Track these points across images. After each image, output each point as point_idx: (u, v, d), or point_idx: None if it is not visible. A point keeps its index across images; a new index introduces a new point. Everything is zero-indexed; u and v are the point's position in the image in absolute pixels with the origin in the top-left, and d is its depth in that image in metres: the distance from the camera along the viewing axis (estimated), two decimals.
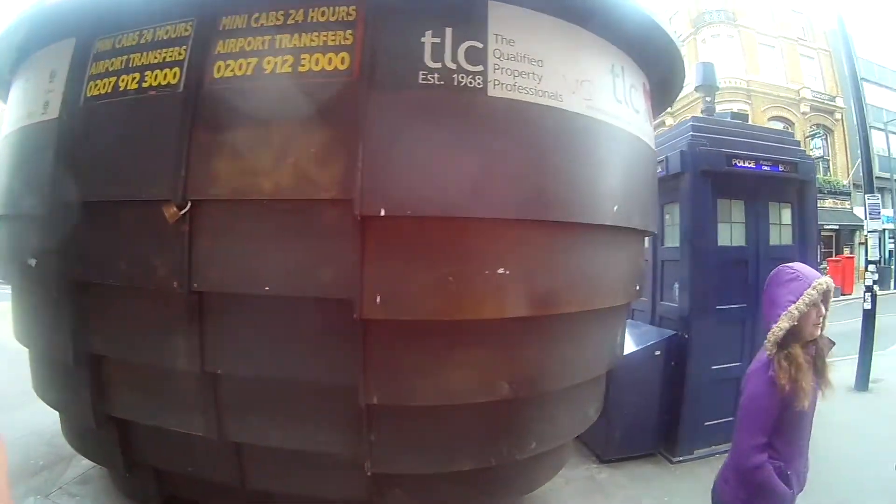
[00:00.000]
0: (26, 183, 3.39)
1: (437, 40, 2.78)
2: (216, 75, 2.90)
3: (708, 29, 31.11)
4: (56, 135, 3.22)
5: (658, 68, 3.85)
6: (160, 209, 2.85)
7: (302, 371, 2.93)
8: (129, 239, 3.08)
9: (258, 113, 2.77)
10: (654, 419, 5.61)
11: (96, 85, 3.19)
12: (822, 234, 29.56)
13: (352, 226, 2.65)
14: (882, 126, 30.22)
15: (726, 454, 5.35)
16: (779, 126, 30.39)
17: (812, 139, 29.92)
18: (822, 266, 25.00)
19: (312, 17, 2.89)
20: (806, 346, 2.52)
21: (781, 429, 2.49)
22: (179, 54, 3.01)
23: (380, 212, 2.63)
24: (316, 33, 2.84)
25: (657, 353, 5.48)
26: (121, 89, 3.11)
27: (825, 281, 2.52)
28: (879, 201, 9.38)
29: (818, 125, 30.77)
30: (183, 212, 2.85)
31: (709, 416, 5.59)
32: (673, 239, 5.99)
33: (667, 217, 6.12)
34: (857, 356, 8.48)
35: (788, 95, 30.91)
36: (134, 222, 3.06)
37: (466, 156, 2.73)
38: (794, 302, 2.45)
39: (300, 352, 2.90)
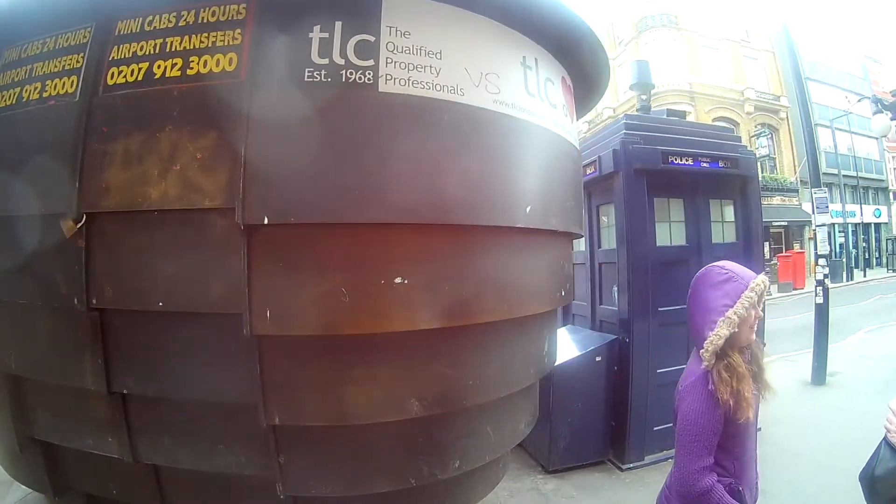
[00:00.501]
0: None
1: (326, 35, 2.59)
2: (109, 82, 2.74)
3: (650, 33, 31.75)
4: None
5: (578, 61, 3.68)
6: (58, 224, 2.74)
7: (205, 391, 2.75)
8: (33, 255, 2.90)
9: (147, 120, 2.61)
10: (600, 426, 5.49)
11: (2, 96, 3.04)
12: (771, 230, 30.30)
13: (238, 236, 2.50)
14: (828, 123, 31.02)
15: None
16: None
17: (757, 138, 30.63)
18: (772, 262, 25.60)
19: (203, 17, 2.68)
20: (742, 351, 2.31)
21: (727, 445, 2.27)
22: (77, 62, 2.86)
23: (263, 220, 2.45)
24: (205, 34, 2.64)
25: (598, 358, 5.37)
26: (24, 100, 2.96)
27: (763, 280, 2.29)
28: (827, 195, 9.39)
29: (763, 124, 31.56)
30: (79, 225, 2.70)
31: (658, 421, 5.47)
32: (610, 241, 5.91)
33: (603, 219, 6.06)
34: (813, 350, 8.51)
35: (732, 96, 31.65)
36: (37, 237, 2.87)
37: (355, 157, 2.53)
38: (732, 306, 2.20)
39: (201, 371, 2.73)
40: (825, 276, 8.64)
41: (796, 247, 29.60)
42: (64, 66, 2.88)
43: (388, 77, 2.59)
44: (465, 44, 2.83)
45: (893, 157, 38.72)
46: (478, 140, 2.78)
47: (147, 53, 2.70)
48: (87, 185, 2.67)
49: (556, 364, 5.10)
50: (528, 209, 2.97)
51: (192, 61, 2.63)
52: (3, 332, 3.16)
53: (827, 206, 9.22)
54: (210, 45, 2.62)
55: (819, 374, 8.30)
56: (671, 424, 5.34)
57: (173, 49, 2.67)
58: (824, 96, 33.33)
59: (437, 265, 2.73)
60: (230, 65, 2.59)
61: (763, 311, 2.39)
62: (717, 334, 2.18)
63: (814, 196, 9.22)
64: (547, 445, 5.34)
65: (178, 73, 2.63)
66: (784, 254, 26.54)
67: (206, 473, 2.94)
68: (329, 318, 2.59)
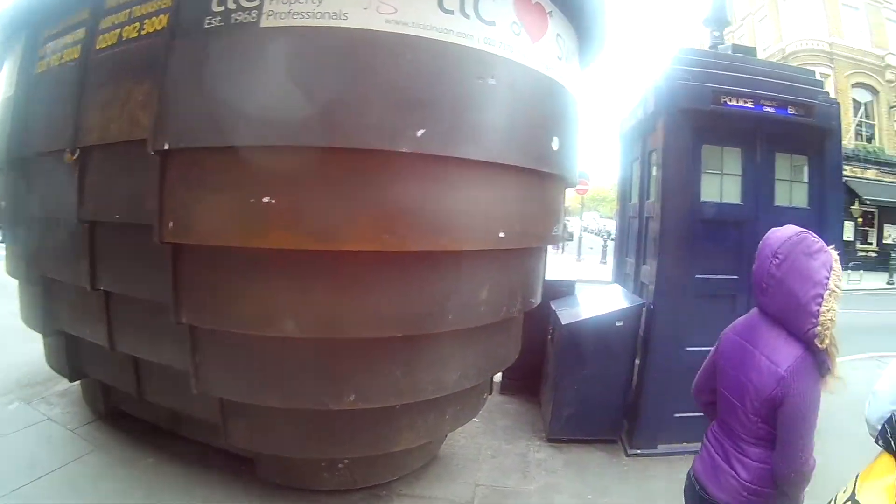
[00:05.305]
0: None
1: None
2: (97, 47, 3.48)
3: None
4: (11, 106, 4.16)
5: None
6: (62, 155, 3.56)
7: (145, 290, 3.39)
8: (42, 180, 3.91)
9: (116, 74, 3.31)
10: (614, 401, 4.90)
11: (40, 64, 4.00)
12: None
13: (156, 161, 3.01)
14: None
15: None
16: (864, 95, 28.05)
17: None
18: None
19: None
20: None
21: None
22: (81, 35, 3.63)
23: (164, 146, 2.93)
24: (151, 2, 3.22)
25: (618, 323, 4.76)
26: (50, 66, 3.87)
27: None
28: None
29: None
30: (75, 156, 3.52)
31: (682, 407, 4.74)
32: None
33: (654, 167, 5.22)
34: None
35: (873, 61, 27.83)
36: (46, 168, 3.81)
37: (235, 89, 2.82)
38: (829, 278, 1.99)
39: (144, 273, 3.33)
40: None
41: None
42: (73, 39, 3.68)
43: (270, 13, 2.82)
44: None
45: None
46: (357, 62, 2.84)
47: (119, 22, 3.36)
48: (80, 126, 3.46)
49: (563, 322, 4.64)
50: (420, 132, 2.90)
51: (146, 24, 3.19)
52: (36, 242, 4.19)
53: None
54: (156, 9, 3.16)
55: None
56: (699, 413, 4.71)
57: (136, 15, 3.27)
58: None
59: (306, 187, 2.88)
60: (160, 24, 3.11)
61: None
62: (832, 309, 1.97)
63: None
64: (550, 412, 4.93)
65: (136, 35, 3.24)
66: None
67: (171, 371, 3.42)
68: (208, 230, 2.95)
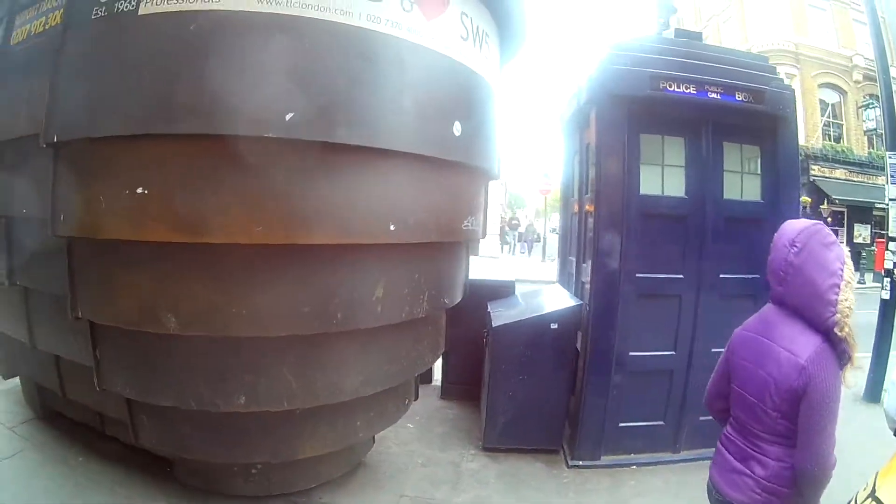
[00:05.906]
0: None
1: None
2: (13, 43, 3.43)
3: None
4: None
5: None
6: None
7: (51, 284, 3.26)
8: None
9: (25, 68, 3.24)
10: (555, 408, 4.58)
11: None
12: (874, 212, 27.50)
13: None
14: None
15: (648, 466, 4.37)
16: (831, 95, 28.19)
17: (865, 110, 27.51)
18: (870, 248, 23.20)
19: None
20: None
21: None
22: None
23: (53, 138, 2.86)
24: None
25: (553, 325, 4.45)
26: None
27: None
28: None
29: (872, 95, 28.03)
30: None
31: (628, 416, 4.53)
32: None
33: (590, 160, 4.92)
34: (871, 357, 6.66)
35: (840, 62, 28.05)
36: None
37: (113, 78, 2.76)
38: (843, 269, 2.03)
39: (48, 266, 3.21)
40: (895, 264, 6.92)
41: None
42: None
43: (147, 1, 2.72)
44: None
45: None
46: (226, 45, 2.71)
47: (29, 17, 3.30)
48: None
49: (494, 324, 4.53)
50: (288, 116, 2.70)
51: (51, 17, 3.11)
52: None
53: None
54: (57, 4, 3.09)
55: (875, 388, 6.46)
56: (646, 423, 4.45)
57: (43, 9, 3.20)
58: None
59: (177, 178, 2.74)
60: (60, 19, 3.02)
61: None
62: (849, 298, 2.01)
63: (888, 161, 7.46)
64: (485, 419, 4.63)
65: (42, 29, 3.17)
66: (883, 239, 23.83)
67: (88, 368, 3.26)
68: (92, 222, 2.86)
